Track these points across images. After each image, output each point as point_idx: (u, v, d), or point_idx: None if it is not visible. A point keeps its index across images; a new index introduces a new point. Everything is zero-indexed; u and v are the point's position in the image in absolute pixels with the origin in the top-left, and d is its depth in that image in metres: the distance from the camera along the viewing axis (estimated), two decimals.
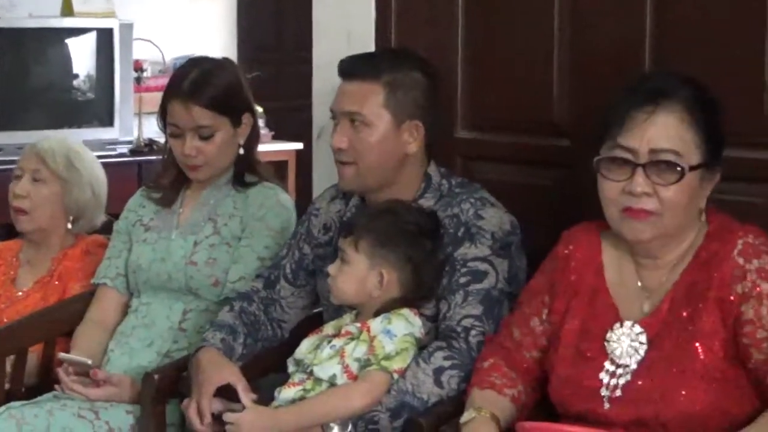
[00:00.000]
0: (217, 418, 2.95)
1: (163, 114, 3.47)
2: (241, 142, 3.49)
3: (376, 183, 3.10)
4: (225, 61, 3.64)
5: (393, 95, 3.06)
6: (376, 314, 2.94)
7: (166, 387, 3.19)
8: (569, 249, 2.81)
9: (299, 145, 6.76)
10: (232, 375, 3.01)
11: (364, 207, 3.18)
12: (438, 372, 2.86)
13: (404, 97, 3.08)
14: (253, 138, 3.54)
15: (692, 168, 2.59)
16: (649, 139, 2.59)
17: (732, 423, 2.55)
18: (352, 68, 3.12)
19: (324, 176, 3.79)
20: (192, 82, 3.39)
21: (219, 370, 3.03)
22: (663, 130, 2.59)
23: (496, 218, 3.05)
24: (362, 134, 3.05)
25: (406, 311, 2.94)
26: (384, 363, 2.86)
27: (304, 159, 6.31)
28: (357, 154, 3.06)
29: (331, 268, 3.00)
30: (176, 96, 3.40)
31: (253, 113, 3.53)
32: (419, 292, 2.99)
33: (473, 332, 2.91)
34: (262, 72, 6.75)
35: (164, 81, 3.82)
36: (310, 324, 3.22)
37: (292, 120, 6.48)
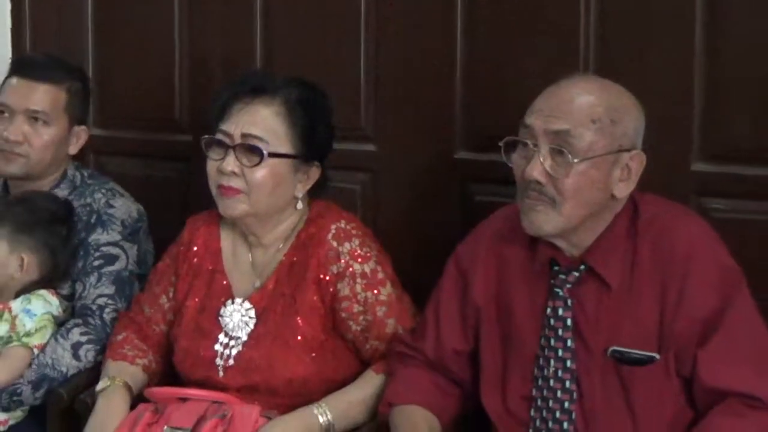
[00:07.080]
0: None
1: None
2: None
3: (38, 173, 3.24)
4: None
5: (71, 102, 3.25)
6: (17, 295, 3.06)
7: None
8: (192, 235, 3.01)
9: None
10: None
11: (5, 197, 3.30)
12: (76, 347, 3.01)
13: (79, 103, 3.27)
14: None
15: (276, 155, 2.80)
16: (243, 125, 2.81)
17: (330, 386, 2.84)
18: (37, 69, 3.24)
19: None
20: None
21: None
22: (255, 119, 2.81)
23: (124, 207, 3.24)
24: (41, 132, 3.21)
25: (44, 292, 3.07)
26: (25, 339, 2.98)
27: None
28: (31, 149, 3.20)
29: None
30: None
31: None
32: (56, 273, 3.12)
33: (107, 310, 3.09)
34: None
35: None
36: None
37: None
